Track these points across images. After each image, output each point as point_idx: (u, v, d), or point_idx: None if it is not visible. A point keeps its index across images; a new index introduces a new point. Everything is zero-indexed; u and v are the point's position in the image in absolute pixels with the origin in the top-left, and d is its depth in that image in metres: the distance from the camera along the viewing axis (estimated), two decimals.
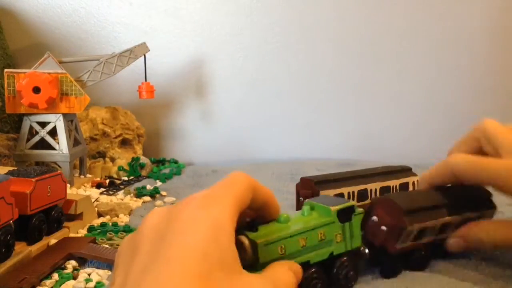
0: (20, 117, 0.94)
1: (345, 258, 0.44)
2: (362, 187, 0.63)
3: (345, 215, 0.43)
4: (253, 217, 0.38)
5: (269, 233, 0.38)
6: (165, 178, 0.97)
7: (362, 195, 0.63)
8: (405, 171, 0.70)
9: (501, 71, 1.24)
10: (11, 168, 0.63)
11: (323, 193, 0.56)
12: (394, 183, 0.66)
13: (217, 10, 1.20)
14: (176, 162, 1.13)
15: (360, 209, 0.45)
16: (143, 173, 1.01)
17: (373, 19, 1.21)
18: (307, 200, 0.45)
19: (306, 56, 1.22)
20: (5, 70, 0.87)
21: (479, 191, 0.56)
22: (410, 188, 0.68)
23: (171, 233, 0.27)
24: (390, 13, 1.21)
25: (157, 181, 0.96)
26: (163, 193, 0.86)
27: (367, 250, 0.45)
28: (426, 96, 1.24)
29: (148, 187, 0.89)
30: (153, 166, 1.06)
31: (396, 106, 1.24)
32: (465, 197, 0.54)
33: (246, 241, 0.37)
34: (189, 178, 0.99)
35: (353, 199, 0.59)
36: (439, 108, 1.24)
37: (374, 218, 0.49)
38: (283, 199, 0.83)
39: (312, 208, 0.44)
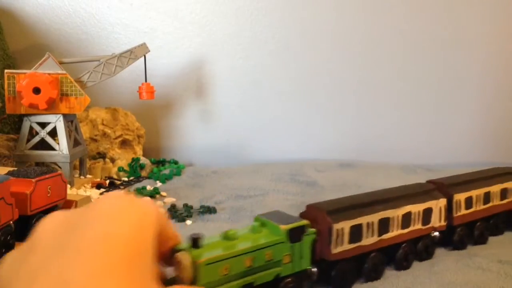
0: (20, 118, 0.94)
1: (290, 279, 0.41)
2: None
3: (296, 235, 0.41)
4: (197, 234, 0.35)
5: (214, 251, 0.35)
6: (165, 179, 0.97)
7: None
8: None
9: (503, 71, 1.24)
10: (11, 169, 0.63)
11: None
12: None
13: (217, 11, 1.20)
14: (176, 162, 1.13)
15: (312, 229, 0.42)
16: (143, 173, 1.01)
17: (373, 19, 1.21)
18: (257, 215, 0.43)
19: (305, 57, 1.22)
20: (5, 70, 0.87)
21: (423, 185, 0.54)
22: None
23: (82, 225, 0.24)
24: (390, 14, 1.21)
25: (157, 181, 0.96)
26: (163, 193, 0.87)
27: (315, 270, 0.43)
28: (426, 96, 1.24)
29: (148, 187, 0.89)
30: (153, 167, 1.06)
31: (396, 106, 1.24)
32: (406, 191, 0.51)
33: (186, 260, 0.33)
34: (189, 178, 0.99)
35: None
36: (439, 108, 1.24)
37: None
38: (283, 199, 0.83)
39: (263, 225, 0.41)
